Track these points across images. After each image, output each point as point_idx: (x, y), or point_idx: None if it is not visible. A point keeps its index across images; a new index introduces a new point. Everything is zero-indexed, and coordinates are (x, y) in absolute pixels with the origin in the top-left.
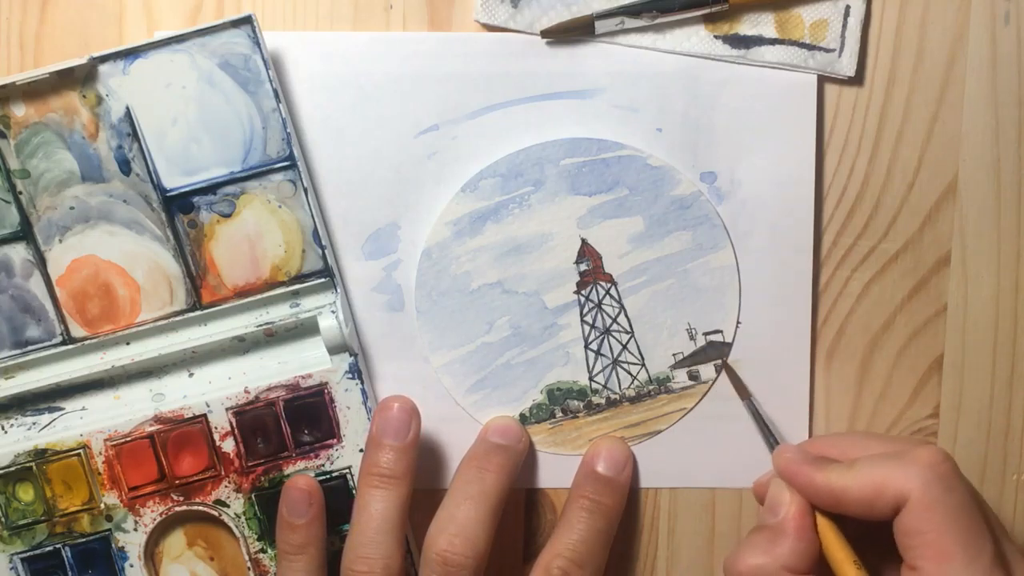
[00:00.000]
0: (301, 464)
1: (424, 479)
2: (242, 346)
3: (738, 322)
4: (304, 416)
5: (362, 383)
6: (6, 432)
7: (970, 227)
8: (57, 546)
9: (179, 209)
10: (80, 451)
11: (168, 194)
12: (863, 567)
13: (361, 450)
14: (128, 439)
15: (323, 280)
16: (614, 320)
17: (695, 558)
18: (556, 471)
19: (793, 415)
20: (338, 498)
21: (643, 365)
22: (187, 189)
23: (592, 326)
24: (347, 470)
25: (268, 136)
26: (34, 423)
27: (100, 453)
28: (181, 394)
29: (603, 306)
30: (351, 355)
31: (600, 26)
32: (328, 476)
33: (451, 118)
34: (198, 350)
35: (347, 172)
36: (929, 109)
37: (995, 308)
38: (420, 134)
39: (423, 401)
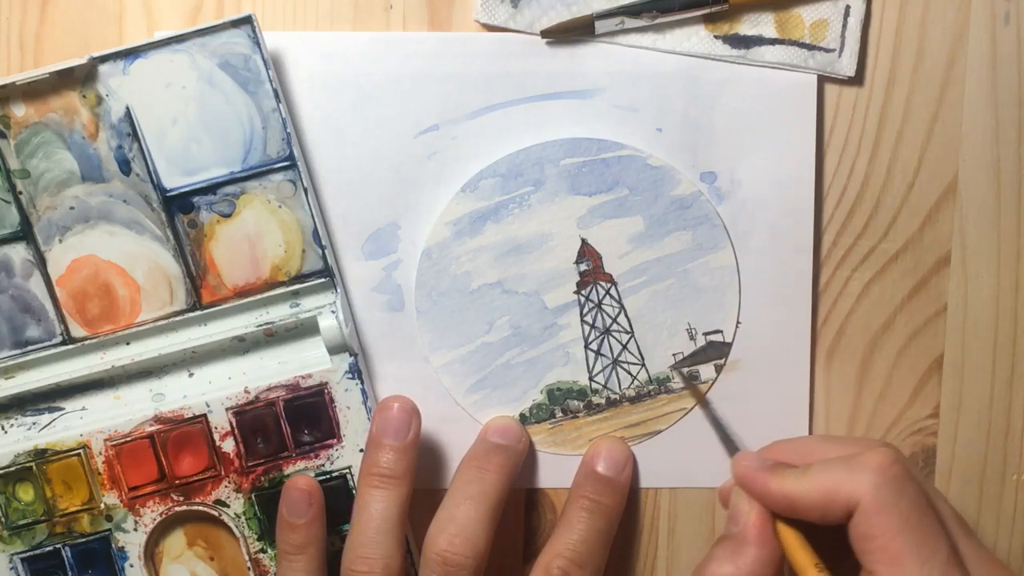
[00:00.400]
0: (301, 464)
1: (424, 479)
2: (242, 346)
3: (738, 322)
4: (304, 416)
5: (362, 383)
6: (6, 432)
7: (970, 227)
8: (57, 546)
9: (179, 209)
10: (80, 451)
11: (168, 194)
12: (826, 569)
13: (361, 450)
14: (128, 439)
15: (323, 280)
16: (614, 320)
17: (695, 558)
18: (556, 471)
19: (793, 415)
20: (338, 498)
21: (643, 365)
22: (187, 189)
23: (592, 326)
24: (347, 470)
25: (268, 136)
26: (34, 423)
27: (100, 453)
28: (181, 394)
29: (603, 306)
30: (351, 355)
31: (600, 26)
32: (328, 476)
33: (451, 118)
34: (198, 350)
35: (347, 172)
36: (929, 109)
37: (995, 308)
38: (420, 134)
39: (423, 401)
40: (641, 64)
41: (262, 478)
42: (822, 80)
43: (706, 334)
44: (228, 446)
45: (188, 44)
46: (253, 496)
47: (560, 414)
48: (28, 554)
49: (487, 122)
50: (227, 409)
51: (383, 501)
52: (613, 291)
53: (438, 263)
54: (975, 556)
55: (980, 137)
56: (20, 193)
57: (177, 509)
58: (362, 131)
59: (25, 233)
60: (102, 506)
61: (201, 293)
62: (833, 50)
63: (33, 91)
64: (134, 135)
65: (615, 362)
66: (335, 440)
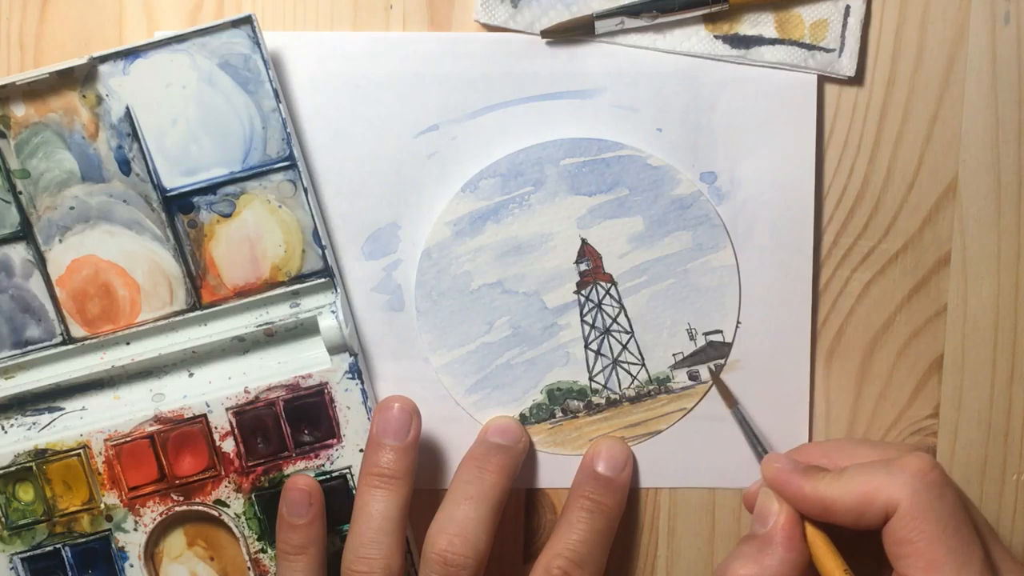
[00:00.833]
0: (301, 464)
1: (424, 479)
2: (242, 346)
3: (738, 322)
4: (304, 416)
5: (362, 383)
6: (6, 432)
7: (970, 227)
8: (57, 546)
9: (179, 209)
10: (80, 451)
11: (168, 194)
12: (853, 574)
13: (361, 450)
14: (128, 439)
15: (323, 280)
16: (614, 320)
17: (695, 558)
18: (556, 471)
19: (793, 415)
20: (338, 498)
21: (643, 365)
22: (187, 189)
23: (592, 326)
24: (347, 470)
25: (268, 136)
26: (34, 423)
27: (100, 453)
28: (181, 394)
29: (603, 306)
30: (351, 355)
31: (600, 26)
32: (328, 476)
33: (451, 118)
34: (198, 350)
35: (347, 172)
36: (929, 109)
37: (995, 308)
38: (420, 134)
39: (423, 401)
40: (641, 64)
41: (262, 478)
42: (822, 80)
43: (706, 334)
44: (228, 446)
45: (188, 44)
46: (253, 496)
47: (560, 414)
48: (28, 554)
49: (487, 122)
50: (227, 409)
51: (383, 501)
52: (613, 291)
53: (438, 263)
54: (1005, 562)
55: (980, 137)
56: (20, 193)
57: (177, 509)
58: (362, 131)
59: (25, 233)
60: (102, 506)
61: (201, 293)
62: (833, 50)
63: (33, 91)
64: (134, 135)
65: (615, 362)
66: (335, 440)
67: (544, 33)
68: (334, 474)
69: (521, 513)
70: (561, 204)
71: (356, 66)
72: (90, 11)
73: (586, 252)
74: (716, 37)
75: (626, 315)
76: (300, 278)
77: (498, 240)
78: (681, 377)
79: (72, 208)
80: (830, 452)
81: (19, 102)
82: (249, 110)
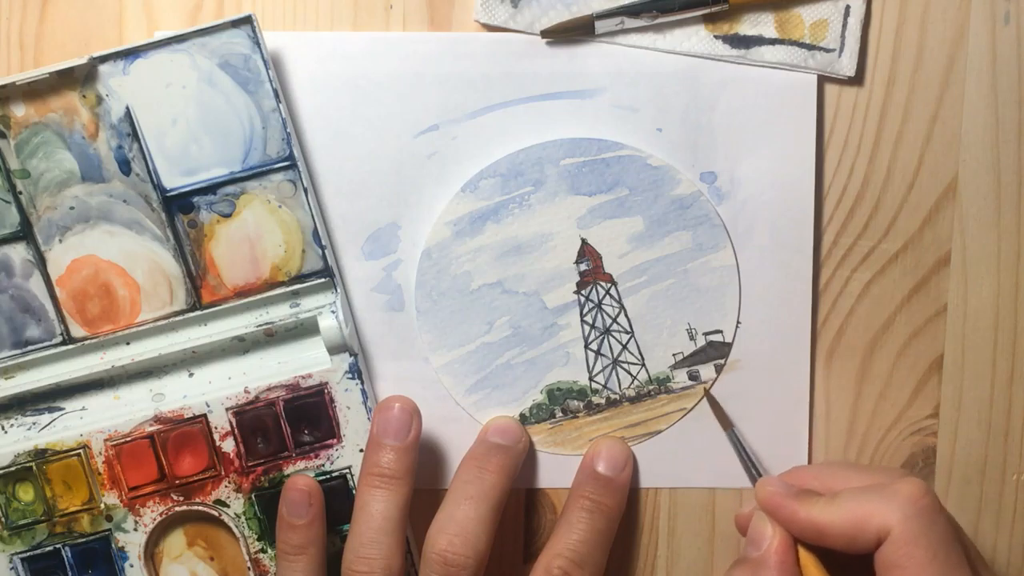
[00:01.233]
0: (301, 464)
1: (424, 479)
2: (242, 346)
3: (738, 322)
4: (304, 416)
5: (362, 383)
6: (6, 432)
7: (970, 227)
8: (57, 546)
9: (179, 209)
10: (80, 451)
11: (168, 194)
12: None
13: (361, 450)
14: (128, 439)
15: (323, 280)
16: (614, 320)
17: (695, 558)
18: (556, 471)
19: (793, 415)
20: (338, 498)
21: (643, 365)
22: (187, 189)
23: (592, 326)
24: (347, 470)
25: (268, 136)
26: (34, 423)
27: (100, 453)
28: (181, 394)
29: (603, 306)
30: (351, 355)
31: (600, 26)
32: (328, 476)
33: (451, 118)
34: (198, 350)
35: (347, 172)
36: (929, 109)
37: (995, 308)
38: (420, 134)
39: (423, 401)
40: (641, 64)
41: (262, 478)
42: (822, 80)
43: (706, 334)
44: (228, 446)
45: (188, 44)
46: (253, 496)
47: (560, 414)
48: (28, 554)
49: (487, 122)
50: (227, 409)
51: (383, 501)
52: (613, 291)
53: (438, 263)
54: None
55: (980, 137)
56: (20, 193)
57: (177, 509)
58: (362, 131)
59: (25, 233)
60: (102, 506)
61: (201, 293)
62: (833, 50)
63: (33, 91)
64: (134, 135)
65: (615, 362)
66: (335, 440)
67: (544, 33)
68: (334, 474)
69: (521, 513)
70: (561, 204)
71: (356, 66)
72: (90, 11)
73: (586, 252)
74: (716, 37)
75: (626, 315)
76: (300, 278)
77: (498, 240)
78: (681, 377)
79: (72, 208)
80: (823, 475)
81: (19, 102)
82: (249, 110)
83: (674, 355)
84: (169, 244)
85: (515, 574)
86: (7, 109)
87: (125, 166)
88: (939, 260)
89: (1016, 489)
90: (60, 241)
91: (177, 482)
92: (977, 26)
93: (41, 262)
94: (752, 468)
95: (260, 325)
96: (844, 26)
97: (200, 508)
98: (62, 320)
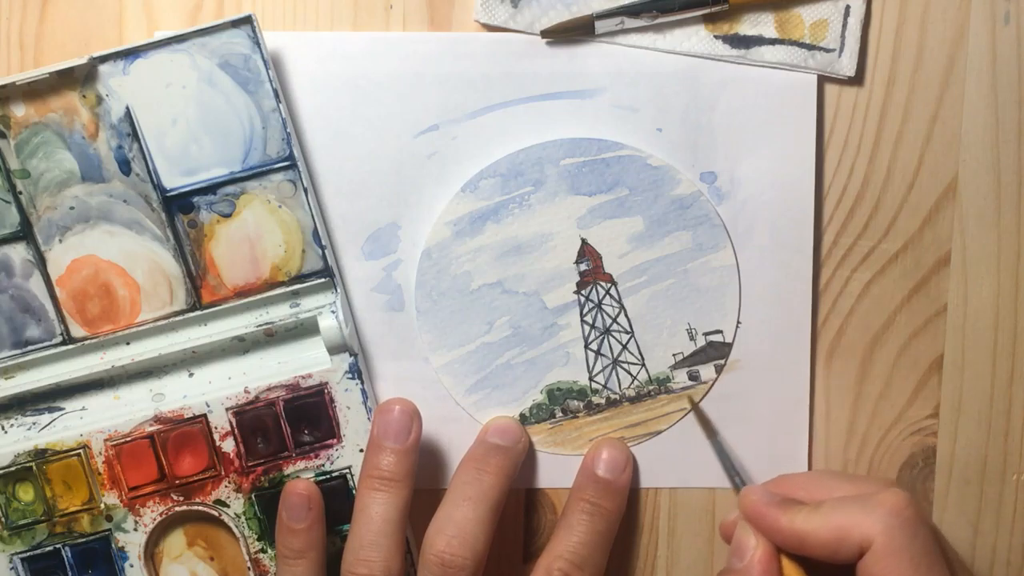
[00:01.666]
0: (301, 464)
1: (424, 479)
2: (242, 346)
3: (738, 322)
4: (304, 416)
5: (362, 383)
6: (6, 432)
7: (970, 227)
8: (57, 546)
9: (179, 209)
10: (80, 451)
11: (168, 194)
12: None
13: (361, 450)
14: (128, 439)
15: (323, 280)
16: (614, 320)
17: (695, 558)
18: (556, 471)
19: (793, 415)
20: (338, 498)
21: (643, 365)
22: (187, 189)
23: (592, 326)
24: (347, 470)
25: (268, 136)
26: (34, 423)
27: (100, 453)
28: (181, 394)
29: (603, 306)
30: (351, 355)
31: (600, 26)
32: (328, 476)
33: (451, 118)
34: (198, 350)
35: (347, 172)
36: (929, 109)
37: (995, 308)
38: (420, 134)
39: (423, 401)
40: (641, 64)
41: (262, 478)
42: (822, 80)
43: (706, 334)
44: (228, 446)
45: (188, 44)
46: (253, 496)
47: (560, 414)
48: (28, 554)
49: (487, 122)
50: (227, 409)
51: (383, 504)
52: (613, 291)
53: (438, 263)
54: None
55: (980, 137)
56: (20, 193)
57: (177, 509)
58: (362, 131)
59: (25, 233)
60: (102, 506)
61: (201, 293)
62: (833, 50)
63: (33, 91)
64: (134, 135)
65: (615, 362)
66: (335, 440)
67: (544, 33)
68: (334, 474)
69: (521, 513)
70: (561, 204)
71: (356, 66)
72: (90, 11)
73: (586, 252)
74: (716, 37)
75: (626, 315)
76: (300, 278)
77: (498, 240)
78: (681, 377)
79: (72, 208)
80: (808, 485)
81: (19, 102)
82: (249, 110)
83: (674, 355)
84: (169, 244)
85: (515, 574)
86: (7, 109)
87: (125, 166)
88: (939, 260)
89: (1016, 489)
90: (60, 241)
91: (177, 482)
92: (977, 26)
93: (41, 262)
94: (736, 476)
95: (260, 325)
96: (844, 26)
97: (200, 508)
98: (62, 320)
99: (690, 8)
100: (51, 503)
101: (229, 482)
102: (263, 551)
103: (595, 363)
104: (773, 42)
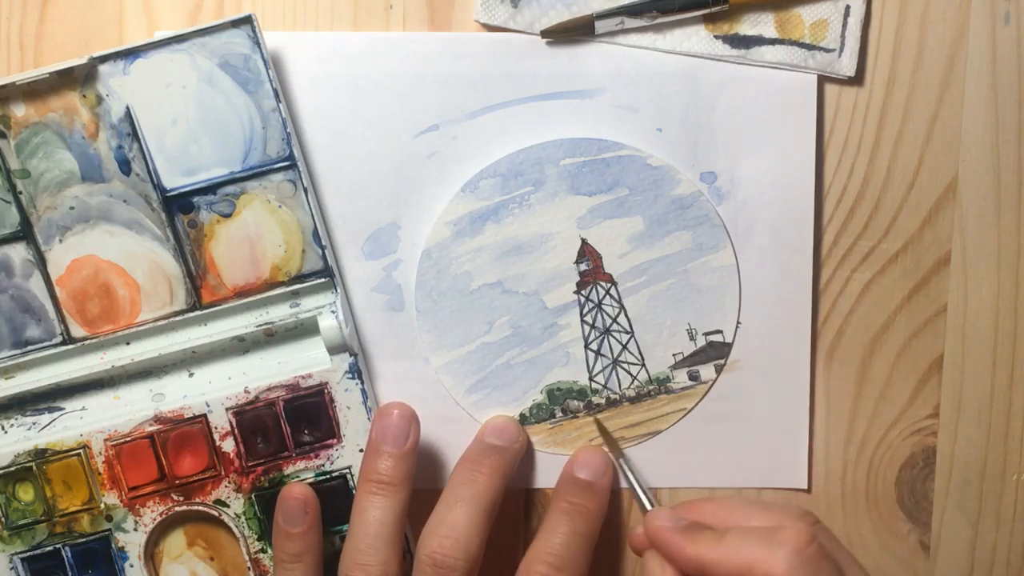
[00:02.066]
0: (301, 464)
1: (424, 479)
2: (242, 346)
3: (738, 322)
4: (304, 416)
5: (362, 383)
6: (6, 432)
7: (970, 227)
8: (57, 546)
9: (179, 209)
10: (80, 451)
11: (168, 194)
12: None
13: (361, 450)
14: (128, 439)
15: (323, 280)
16: (614, 320)
17: None
18: (556, 471)
19: (793, 415)
20: (338, 498)
21: (643, 365)
22: (187, 189)
23: (592, 326)
24: (347, 470)
25: (268, 136)
26: (34, 423)
27: (100, 453)
28: (181, 394)
29: (603, 306)
30: (351, 355)
31: (600, 26)
32: (328, 476)
33: (451, 118)
34: (198, 350)
35: (347, 172)
36: (929, 109)
37: (995, 308)
38: (420, 134)
39: (423, 401)
40: (641, 64)
41: (262, 478)
42: (822, 80)
43: (706, 334)
44: (228, 446)
45: (188, 44)
46: (253, 496)
47: (560, 414)
48: (28, 554)
49: (487, 122)
50: (227, 409)
51: (381, 508)
52: (613, 291)
53: (438, 263)
54: None
55: (980, 137)
56: (20, 193)
57: (177, 509)
58: (362, 131)
59: (25, 233)
60: (102, 506)
61: (201, 293)
62: (833, 50)
63: (33, 91)
64: (134, 135)
65: (615, 362)
66: (335, 440)
67: (544, 33)
68: (334, 474)
69: (521, 513)
70: (561, 204)
71: (356, 66)
72: (90, 11)
73: (586, 252)
74: (716, 37)
75: (626, 315)
76: (300, 278)
77: (498, 240)
78: (681, 377)
79: (72, 208)
80: (720, 511)
81: (19, 102)
82: (249, 110)
83: (674, 355)
84: (169, 244)
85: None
86: (7, 109)
87: (125, 166)
88: (939, 260)
89: (1016, 489)
90: (60, 241)
91: (177, 482)
92: (977, 26)
93: (41, 262)
94: (643, 498)
95: (260, 325)
96: (844, 26)
97: (200, 508)
98: (62, 320)
99: (690, 8)
100: (51, 503)
101: (229, 482)
102: (263, 551)
103: (595, 363)
104: (773, 42)
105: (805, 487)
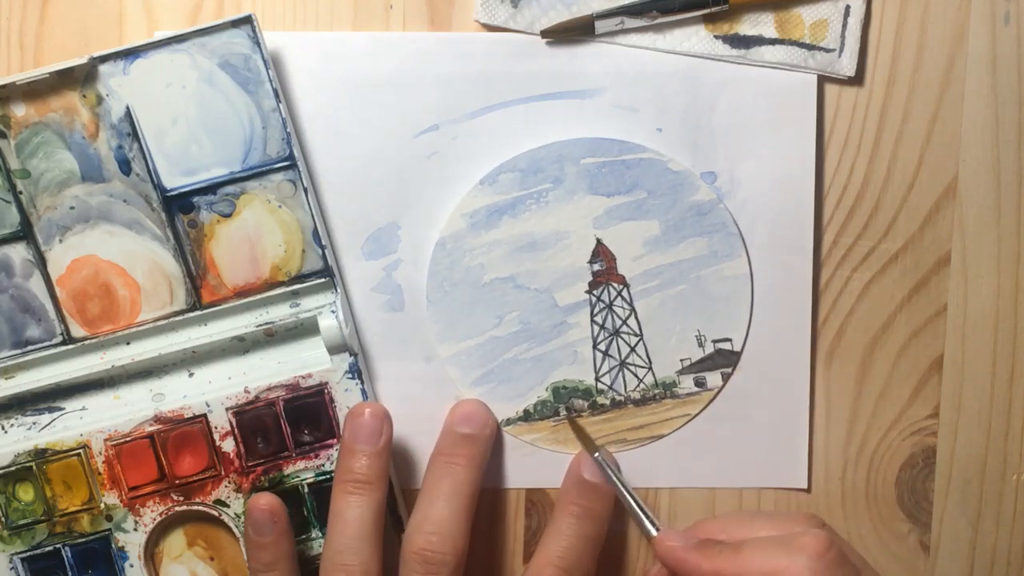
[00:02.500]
0: (301, 464)
1: (422, 478)
2: (242, 346)
3: (748, 330)
4: (304, 416)
5: (362, 383)
6: (6, 432)
7: (970, 227)
8: (57, 546)
9: (179, 209)
10: (80, 451)
11: (168, 194)
12: None
13: None
14: (128, 439)
15: (323, 280)
16: (624, 322)
17: None
18: (558, 470)
19: (793, 415)
20: None
21: (650, 369)
22: (187, 189)
23: (602, 326)
24: None
25: (268, 136)
26: (34, 423)
27: (100, 453)
28: (181, 394)
29: (614, 307)
30: (351, 355)
31: (600, 26)
32: (328, 476)
33: (451, 118)
34: (198, 350)
35: (347, 172)
36: (929, 109)
37: (995, 308)
38: (420, 134)
39: (423, 400)
40: (641, 64)
41: (262, 478)
42: (822, 80)
43: (715, 341)
44: (228, 446)
45: (188, 44)
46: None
47: (564, 412)
48: (28, 554)
49: (487, 122)
50: (227, 409)
51: (359, 507)
52: (625, 293)
53: (452, 254)
54: None
55: (980, 137)
56: (20, 193)
57: (177, 509)
58: (362, 131)
59: (25, 233)
60: (102, 506)
61: (201, 293)
62: (833, 50)
63: (33, 91)
64: (134, 135)
65: (622, 364)
66: (335, 440)
67: (544, 33)
68: (334, 474)
69: (521, 513)
70: (579, 203)
71: (356, 66)
72: (90, 11)
73: (600, 252)
74: (716, 37)
75: (636, 318)
76: (300, 278)
77: (513, 235)
78: (687, 383)
79: (72, 208)
80: (727, 527)
81: (19, 102)
82: (249, 110)
83: (682, 360)
84: (169, 244)
85: (515, 574)
86: (7, 109)
87: (125, 166)
88: (939, 260)
89: (1016, 489)
90: (60, 241)
91: (177, 482)
92: (977, 26)
93: (41, 262)
94: (647, 521)
95: (260, 325)
96: (844, 26)
97: (200, 508)
98: (62, 320)
99: (690, 8)
100: (51, 503)
101: (229, 482)
102: None
103: (602, 364)
104: (773, 42)
105: (805, 487)
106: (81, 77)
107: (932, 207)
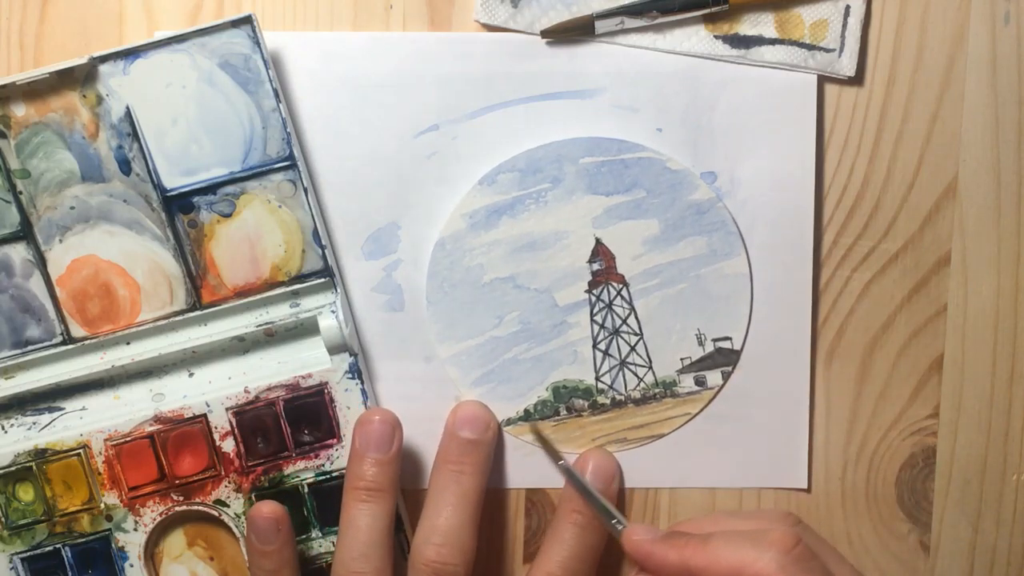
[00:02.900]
0: (301, 464)
1: (424, 480)
2: (242, 346)
3: (748, 329)
4: (304, 416)
5: (362, 383)
6: (6, 432)
7: (970, 227)
8: (57, 546)
9: (179, 209)
10: (80, 451)
11: (168, 194)
12: None
13: None
14: (128, 439)
15: (323, 280)
16: (624, 321)
17: None
18: (558, 470)
19: (793, 415)
20: (337, 499)
21: (650, 368)
22: (187, 189)
23: (601, 326)
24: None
25: (268, 136)
26: (34, 423)
27: (100, 453)
28: (181, 394)
29: (613, 307)
30: (351, 355)
31: (600, 26)
32: (328, 476)
33: (451, 118)
34: (198, 350)
35: (347, 172)
36: (929, 109)
37: (995, 308)
38: (420, 134)
39: (423, 401)
40: (641, 64)
41: (262, 478)
42: (822, 80)
43: (715, 340)
44: (228, 446)
45: (188, 44)
46: (253, 496)
47: (564, 412)
48: (28, 554)
49: (487, 122)
50: (227, 409)
51: (370, 515)
52: (624, 292)
53: (452, 254)
54: None
55: (980, 137)
56: (20, 193)
57: (177, 509)
58: (362, 131)
59: (25, 233)
60: (102, 506)
61: (201, 293)
62: (833, 50)
63: (33, 91)
64: (134, 135)
65: (622, 363)
66: (335, 440)
67: (544, 33)
68: (334, 474)
69: (521, 513)
70: (578, 202)
71: (356, 66)
72: (90, 11)
73: (600, 252)
74: (716, 37)
75: (636, 317)
76: (300, 278)
77: (513, 235)
78: (688, 382)
79: (72, 208)
80: (704, 526)
81: (19, 102)
82: (249, 110)
83: (682, 360)
84: (169, 244)
85: (515, 574)
86: (7, 109)
87: (125, 166)
88: (939, 260)
89: (1016, 489)
90: (60, 241)
91: (177, 482)
92: (977, 26)
93: (41, 262)
94: (611, 517)
95: (260, 325)
96: (844, 26)
97: (200, 508)
98: (62, 320)
99: (690, 8)
100: (51, 503)
101: (229, 482)
102: None
103: (602, 363)
104: (773, 42)
105: (805, 487)
106: (81, 77)
107: (932, 207)
